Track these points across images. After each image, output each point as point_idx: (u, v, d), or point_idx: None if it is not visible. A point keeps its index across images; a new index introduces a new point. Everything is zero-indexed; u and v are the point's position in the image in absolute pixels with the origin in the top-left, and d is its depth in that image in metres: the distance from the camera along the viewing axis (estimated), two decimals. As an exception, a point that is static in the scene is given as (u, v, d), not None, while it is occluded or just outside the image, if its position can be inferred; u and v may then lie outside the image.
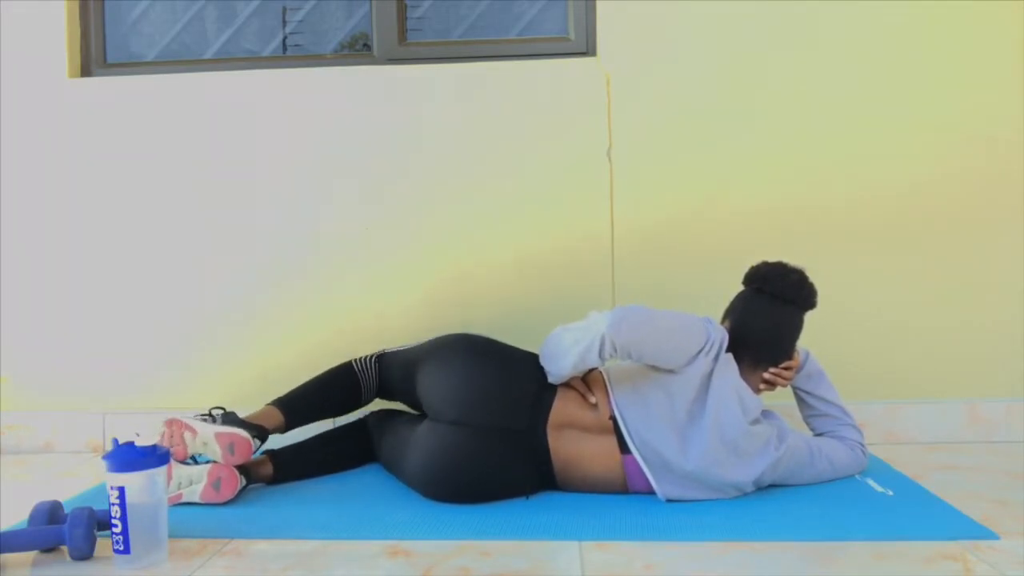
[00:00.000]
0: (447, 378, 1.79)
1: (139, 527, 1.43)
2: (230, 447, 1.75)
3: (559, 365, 1.76)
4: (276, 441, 1.99)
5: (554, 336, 1.79)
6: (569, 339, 1.75)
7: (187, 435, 1.76)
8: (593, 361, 1.73)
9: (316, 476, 1.98)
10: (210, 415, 1.83)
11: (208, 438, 1.75)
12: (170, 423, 1.78)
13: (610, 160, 2.29)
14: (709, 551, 1.48)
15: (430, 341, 1.94)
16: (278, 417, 1.89)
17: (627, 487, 1.77)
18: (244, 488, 1.82)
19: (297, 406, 1.94)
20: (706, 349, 1.77)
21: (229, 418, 1.82)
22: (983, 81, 2.25)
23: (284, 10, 2.47)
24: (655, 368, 1.77)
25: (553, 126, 2.30)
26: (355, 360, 2.00)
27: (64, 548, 1.52)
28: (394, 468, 1.93)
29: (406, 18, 2.43)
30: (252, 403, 2.03)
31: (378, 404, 2.16)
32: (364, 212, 2.33)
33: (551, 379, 1.79)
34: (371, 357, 2.01)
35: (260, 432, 1.82)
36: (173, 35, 2.48)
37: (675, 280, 2.27)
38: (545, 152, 2.30)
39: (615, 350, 1.71)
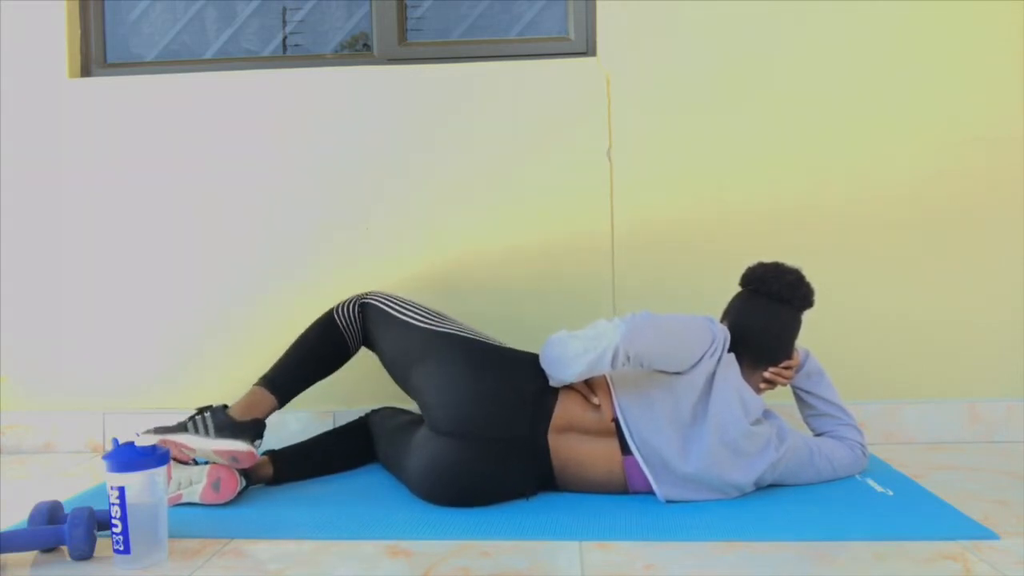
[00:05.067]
0: (445, 388, 1.75)
1: (139, 527, 1.43)
2: (233, 459, 1.75)
3: (565, 372, 1.74)
4: (277, 442, 2.00)
5: (558, 342, 1.77)
6: (577, 347, 1.72)
7: (186, 452, 1.75)
8: (603, 370, 1.72)
9: (316, 476, 1.98)
10: (199, 415, 1.80)
11: (208, 454, 1.75)
12: (163, 444, 1.72)
13: (610, 160, 2.29)
14: (709, 551, 1.48)
15: (425, 328, 1.85)
16: (269, 400, 1.85)
17: (627, 488, 1.77)
18: (244, 489, 1.81)
19: (286, 381, 1.88)
20: (711, 350, 1.77)
21: (219, 419, 1.79)
22: (983, 81, 2.25)
23: (284, 10, 2.47)
24: (661, 371, 1.77)
25: (553, 126, 2.30)
26: (336, 311, 1.93)
27: (64, 548, 1.52)
28: (395, 470, 1.93)
29: (406, 18, 2.43)
30: (252, 403, 2.03)
31: (379, 403, 2.16)
32: (364, 211, 2.33)
33: (553, 383, 1.78)
34: (353, 305, 1.93)
35: (256, 429, 1.81)
36: (173, 35, 2.48)
37: (675, 280, 2.27)
38: (545, 152, 2.30)
39: (628, 360, 1.70)
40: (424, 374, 1.81)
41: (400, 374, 1.89)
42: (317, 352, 1.93)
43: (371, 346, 1.96)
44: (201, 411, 1.82)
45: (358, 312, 1.93)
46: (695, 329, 1.79)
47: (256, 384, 1.88)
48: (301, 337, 1.94)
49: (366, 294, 1.96)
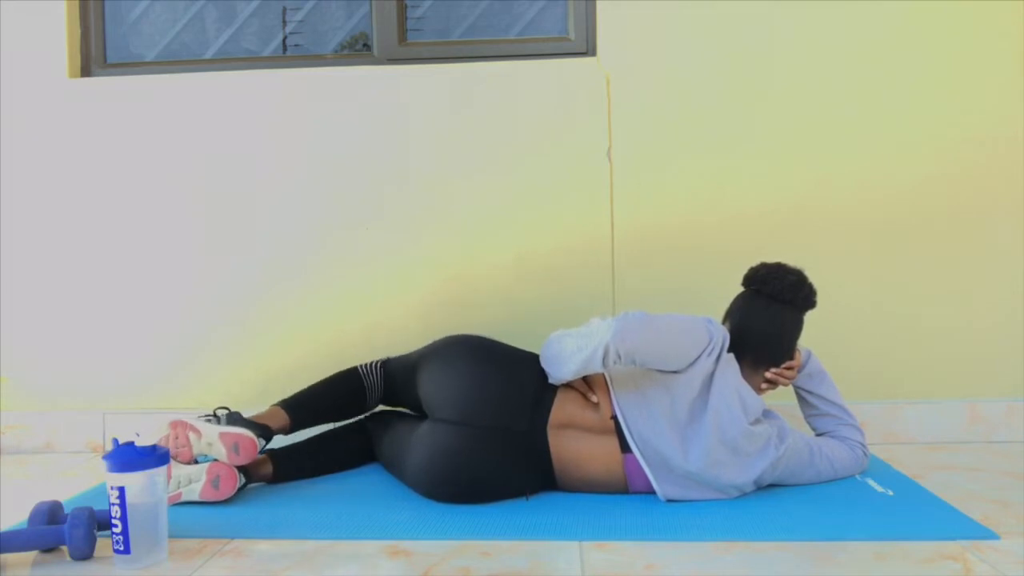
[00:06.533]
0: (448, 378, 1.79)
1: (139, 527, 1.43)
2: (235, 447, 1.75)
3: (561, 370, 1.76)
4: (278, 441, 2.00)
5: (555, 340, 1.79)
6: (572, 345, 1.74)
7: (192, 436, 1.76)
8: (596, 368, 1.73)
9: (316, 476, 1.98)
10: (215, 415, 1.83)
11: (212, 439, 1.75)
12: (175, 424, 1.78)
13: (610, 160, 2.29)
14: (709, 551, 1.48)
15: (431, 343, 1.94)
16: (284, 418, 1.89)
17: (627, 487, 1.77)
18: (243, 487, 1.82)
19: (303, 408, 1.94)
20: (708, 350, 1.77)
21: (233, 418, 1.82)
22: (983, 81, 2.25)
23: (284, 10, 2.47)
24: (656, 370, 1.77)
25: (553, 126, 2.30)
26: (360, 365, 2.01)
27: (64, 548, 1.52)
28: (394, 468, 1.93)
29: (406, 18, 2.43)
30: (252, 404, 2.04)
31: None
32: (364, 212, 2.33)
33: (552, 381, 1.80)
34: (376, 363, 2.01)
35: (265, 431, 1.82)
36: (173, 35, 2.48)
37: (675, 280, 2.27)
38: (545, 152, 2.30)
39: (619, 358, 1.71)
40: (428, 372, 1.84)
41: (411, 389, 1.91)
42: (338, 393, 1.99)
43: (392, 399, 2.01)
44: (216, 411, 1.85)
45: (380, 369, 2.00)
46: (690, 329, 1.79)
47: (275, 405, 1.93)
48: (324, 379, 2.01)
49: (388, 357, 2.03)
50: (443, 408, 1.76)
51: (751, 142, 2.28)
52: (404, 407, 2.03)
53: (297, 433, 2.09)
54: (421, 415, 1.91)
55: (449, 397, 1.76)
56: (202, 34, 2.49)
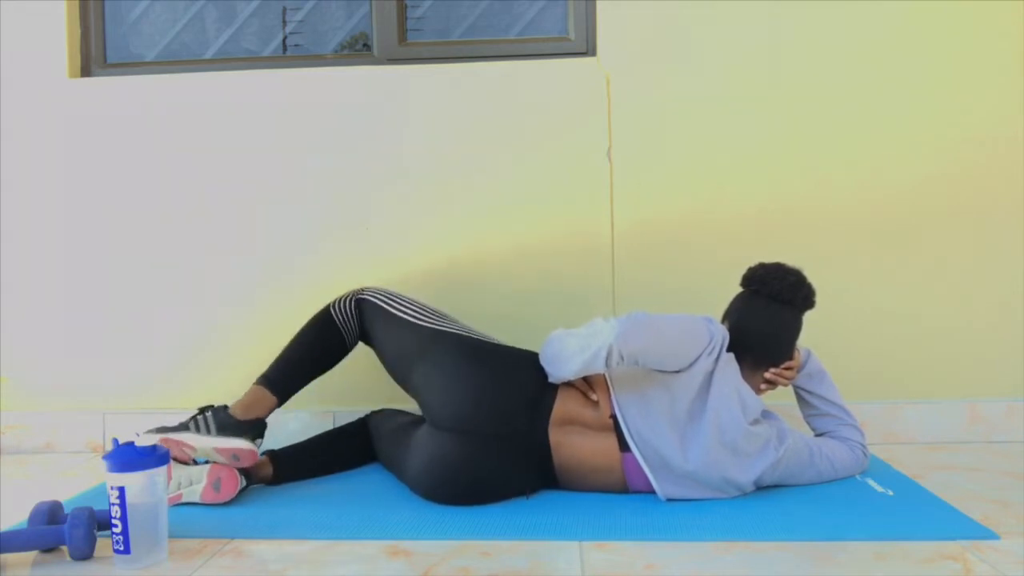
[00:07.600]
0: (444, 385, 1.76)
1: (139, 527, 1.43)
2: (234, 457, 1.75)
3: (561, 369, 1.75)
4: (277, 442, 2.00)
5: (556, 339, 1.78)
6: (574, 345, 1.73)
7: (187, 451, 1.75)
8: (598, 369, 1.72)
9: (316, 476, 1.98)
10: (201, 414, 1.80)
11: (209, 452, 1.75)
12: (165, 443, 1.74)
13: (610, 160, 2.29)
14: (709, 551, 1.48)
15: (423, 327, 1.86)
16: (269, 399, 1.85)
17: (627, 486, 1.77)
18: (244, 488, 1.81)
19: (285, 378, 1.88)
20: (708, 350, 1.77)
21: (221, 418, 1.79)
22: (983, 81, 2.25)
23: (284, 10, 2.47)
24: (657, 370, 1.77)
25: (553, 126, 2.30)
26: (332, 307, 1.94)
27: (64, 548, 1.52)
28: (394, 469, 1.93)
29: (406, 18, 2.43)
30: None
31: (378, 403, 2.16)
32: (364, 212, 2.33)
33: (552, 380, 1.79)
34: (350, 301, 1.94)
35: (258, 428, 1.81)
36: (173, 35, 2.48)
37: (675, 280, 2.27)
38: (545, 152, 2.30)
39: (622, 359, 1.71)
40: (424, 373, 1.82)
41: (400, 374, 1.90)
42: (315, 350, 1.94)
43: (368, 342, 1.97)
44: (202, 411, 1.82)
45: (355, 308, 1.94)
46: (691, 329, 1.79)
47: (256, 383, 1.88)
48: (298, 334, 1.95)
49: (362, 290, 1.97)
50: (441, 416, 1.75)
51: (751, 142, 2.28)
52: (378, 350, 1.95)
53: (296, 433, 2.10)
54: (420, 415, 1.91)
55: (446, 406, 1.74)
56: (202, 34, 2.49)
